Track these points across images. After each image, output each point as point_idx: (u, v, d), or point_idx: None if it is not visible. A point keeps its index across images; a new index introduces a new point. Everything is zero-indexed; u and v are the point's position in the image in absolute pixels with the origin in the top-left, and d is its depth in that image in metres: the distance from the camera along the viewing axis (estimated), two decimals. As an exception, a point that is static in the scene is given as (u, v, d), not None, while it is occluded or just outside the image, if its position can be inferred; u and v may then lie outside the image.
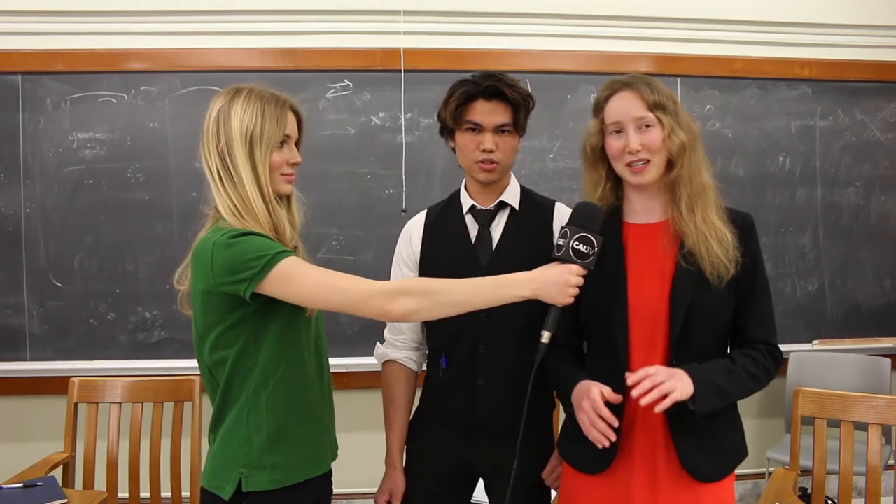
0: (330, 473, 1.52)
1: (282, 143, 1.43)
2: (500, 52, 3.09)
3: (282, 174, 1.43)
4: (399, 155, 3.07)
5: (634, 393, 1.33)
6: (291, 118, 1.45)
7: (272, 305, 1.36)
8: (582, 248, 1.35)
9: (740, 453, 1.51)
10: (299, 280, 1.31)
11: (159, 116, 3.02)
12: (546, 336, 1.38)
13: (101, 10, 2.99)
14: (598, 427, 1.37)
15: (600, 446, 1.38)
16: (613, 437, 1.37)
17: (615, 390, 1.42)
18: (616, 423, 1.37)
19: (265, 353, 1.39)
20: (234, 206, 1.39)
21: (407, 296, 1.32)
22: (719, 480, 1.46)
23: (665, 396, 1.31)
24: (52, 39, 2.99)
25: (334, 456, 1.55)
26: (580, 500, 1.53)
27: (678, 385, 1.32)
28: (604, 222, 1.46)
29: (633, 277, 1.47)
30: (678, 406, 1.35)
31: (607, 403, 1.39)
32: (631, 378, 1.35)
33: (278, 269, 1.30)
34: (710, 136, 3.11)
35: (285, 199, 1.48)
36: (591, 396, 1.38)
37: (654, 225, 1.49)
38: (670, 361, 1.42)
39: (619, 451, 1.45)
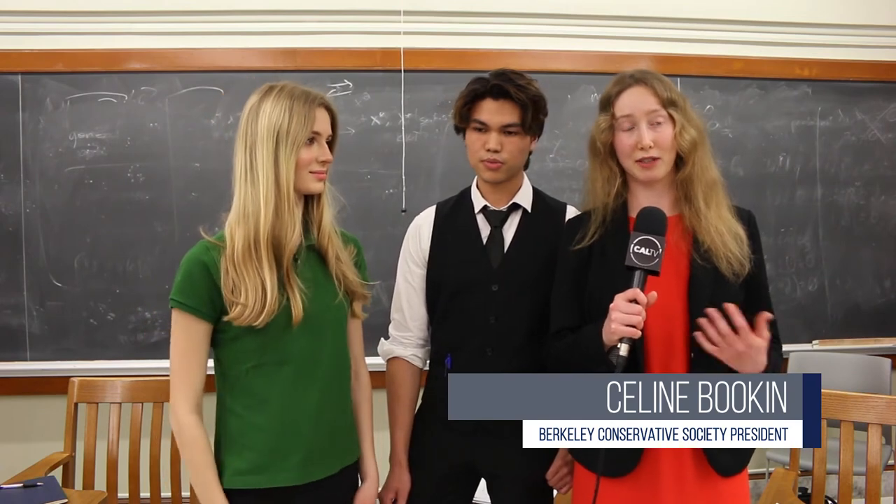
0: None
1: (311, 141, 1.44)
2: (500, 52, 3.09)
3: (311, 172, 1.44)
4: (399, 155, 3.07)
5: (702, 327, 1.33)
6: (322, 115, 1.46)
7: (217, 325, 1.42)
8: (644, 251, 1.31)
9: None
10: (172, 335, 1.41)
11: (159, 116, 3.02)
12: (624, 348, 1.31)
13: (101, 10, 2.99)
14: (633, 311, 1.30)
15: (637, 335, 1.31)
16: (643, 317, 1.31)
17: None
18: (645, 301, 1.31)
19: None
20: (240, 208, 1.41)
21: (182, 439, 1.41)
22: (738, 474, 1.47)
23: None
24: (52, 39, 2.99)
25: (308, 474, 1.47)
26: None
27: (742, 362, 1.33)
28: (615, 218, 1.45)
29: None
30: None
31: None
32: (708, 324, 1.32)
33: (174, 312, 1.41)
34: (710, 136, 3.10)
35: (315, 197, 1.49)
36: (619, 295, 1.32)
37: None
38: (691, 359, 1.41)
39: (645, 453, 1.43)
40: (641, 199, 1.50)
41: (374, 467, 1.60)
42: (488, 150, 1.63)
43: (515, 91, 1.61)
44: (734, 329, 1.32)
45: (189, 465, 1.42)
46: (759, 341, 1.32)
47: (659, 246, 1.31)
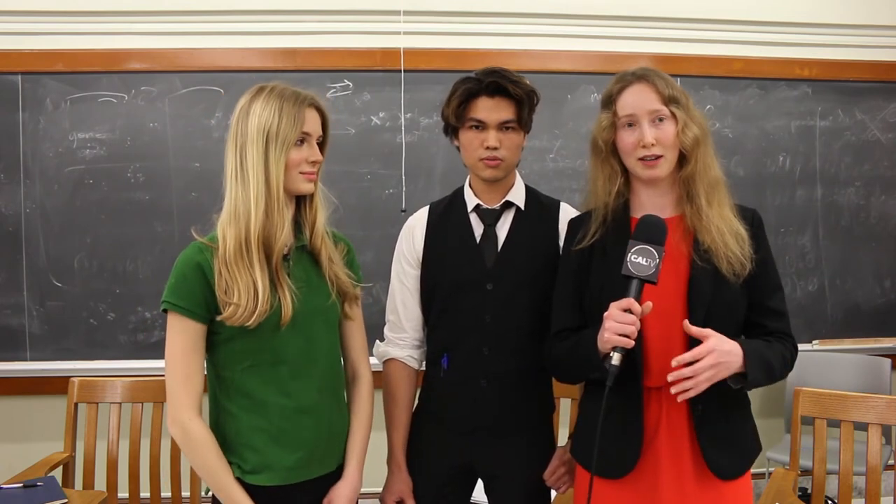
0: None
1: (301, 141, 1.43)
2: (500, 52, 3.09)
3: (301, 172, 1.44)
4: (399, 155, 3.07)
5: (671, 381, 1.32)
6: (312, 116, 1.45)
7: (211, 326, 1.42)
8: (641, 260, 1.31)
9: (755, 449, 1.51)
10: (167, 339, 1.43)
11: (159, 116, 3.02)
12: (616, 357, 1.31)
13: (101, 10, 2.99)
14: (627, 320, 1.29)
15: (630, 345, 1.30)
16: (637, 327, 1.30)
17: (629, 390, 1.40)
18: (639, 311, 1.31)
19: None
20: (231, 208, 1.41)
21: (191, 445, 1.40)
22: (741, 477, 1.46)
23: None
24: (52, 39, 2.99)
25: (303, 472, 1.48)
26: None
27: (718, 374, 1.32)
28: (615, 219, 1.45)
29: None
30: (701, 407, 1.37)
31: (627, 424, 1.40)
32: (675, 361, 1.31)
33: (170, 316, 1.43)
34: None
35: (308, 198, 1.49)
36: (614, 304, 1.31)
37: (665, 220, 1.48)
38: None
39: (643, 455, 1.43)
40: (644, 199, 1.49)
41: (354, 469, 1.54)
42: (487, 148, 1.62)
43: (512, 87, 1.62)
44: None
45: (202, 469, 1.41)
46: (706, 350, 1.31)
47: (657, 256, 1.30)
